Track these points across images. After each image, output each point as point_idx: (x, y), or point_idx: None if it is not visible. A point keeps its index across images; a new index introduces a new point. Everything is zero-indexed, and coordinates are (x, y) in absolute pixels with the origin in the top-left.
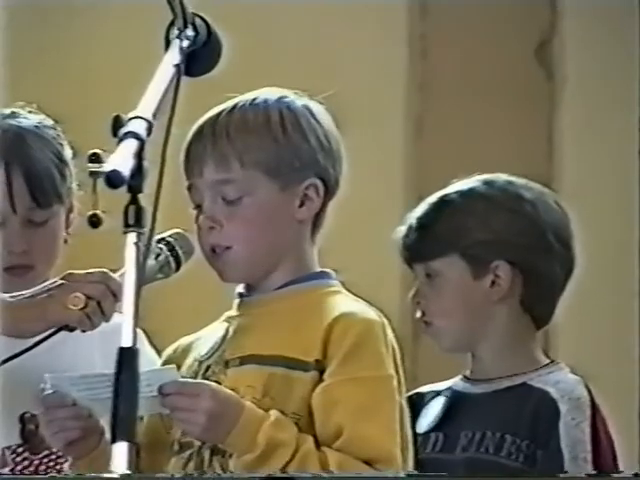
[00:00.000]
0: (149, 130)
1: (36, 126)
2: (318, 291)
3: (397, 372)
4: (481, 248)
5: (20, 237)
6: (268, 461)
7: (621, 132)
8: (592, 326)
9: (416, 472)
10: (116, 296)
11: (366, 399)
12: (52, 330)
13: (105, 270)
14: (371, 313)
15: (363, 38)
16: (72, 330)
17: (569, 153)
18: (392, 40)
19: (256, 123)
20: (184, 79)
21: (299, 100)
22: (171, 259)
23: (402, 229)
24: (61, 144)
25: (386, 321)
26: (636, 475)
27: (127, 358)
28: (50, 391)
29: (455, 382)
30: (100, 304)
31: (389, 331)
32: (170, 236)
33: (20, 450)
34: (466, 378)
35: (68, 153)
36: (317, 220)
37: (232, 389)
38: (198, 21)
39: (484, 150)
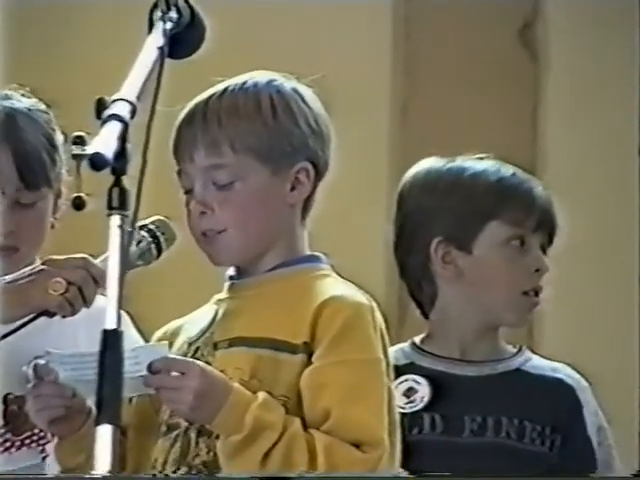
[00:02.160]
0: (133, 112)
1: (28, 109)
2: (308, 274)
3: (385, 355)
4: None
5: (7, 218)
6: (255, 442)
7: (606, 114)
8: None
9: (408, 465)
10: (97, 282)
11: (354, 382)
12: (32, 315)
13: (86, 256)
14: (360, 296)
15: (347, 22)
16: (52, 315)
17: (553, 136)
18: (376, 23)
19: (247, 108)
20: (168, 61)
21: (288, 83)
22: (152, 246)
23: None
24: (53, 129)
25: (375, 305)
26: (636, 475)
27: (111, 340)
28: (42, 362)
29: (412, 357)
30: (81, 289)
31: (378, 315)
32: (152, 223)
33: (2, 431)
34: (429, 353)
35: (59, 138)
36: (307, 203)
37: (220, 371)
38: (181, 3)
39: (468, 132)
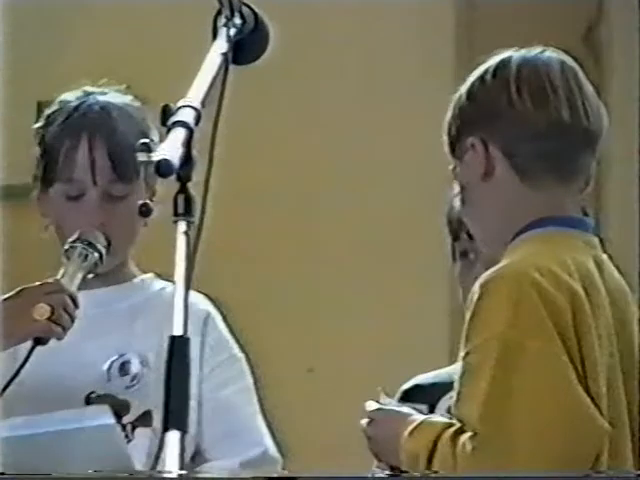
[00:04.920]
0: (198, 119)
1: (126, 103)
2: None
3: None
4: None
5: (98, 209)
6: (415, 466)
7: None
8: None
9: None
10: (74, 300)
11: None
12: (30, 347)
13: (56, 278)
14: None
15: (411, 29)
16: (45, 342)
17: (617, 138)
18: (439, 29)
19: None
20: (232, 67)
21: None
22: (96, 255)
23: None
24: (148, 126)
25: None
26: (639, 476)
27: (178, 347)
28: (381, 406)
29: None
30: (65, 310)
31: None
32: (79, 238)
33: None
34: None
35: (155, 135)
36: None
37: None
38: (245, 9)
39: None
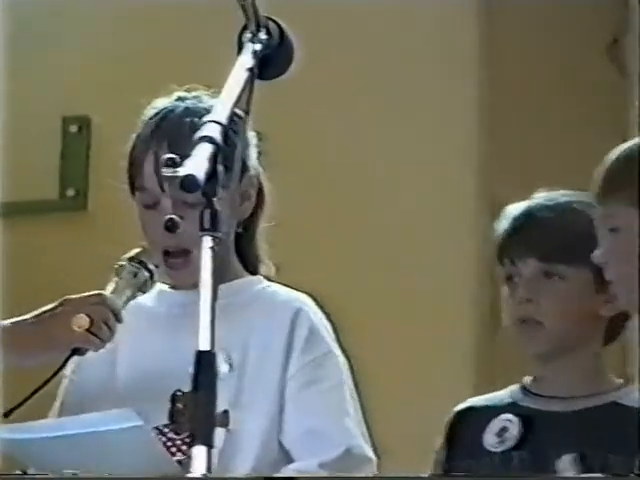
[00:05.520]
0: (224, 134)
1: (206, 109)
2: None
3: None
4: None
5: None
6: None
7: None
8: None
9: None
10: (117, 315)
11: None
12: (66, 356)
13: (101, 292)
14: None
15: (433, 41)
16: (84, 353)
17: None
18: (461, 40)
19: None
20: (257, 82)
21: None
22: (147, 275)
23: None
24: (233, 130)
25: None
26: (639, 475)
27: (204, 361)
28: None
29: (516, 397)
30: (106, 323)
31: None
32: (138, 254)
33: (166, 430)
34: (533, 394)
35: (244, 138)
36: None
37: None
38: (271, 24)
39: (556, 149)
